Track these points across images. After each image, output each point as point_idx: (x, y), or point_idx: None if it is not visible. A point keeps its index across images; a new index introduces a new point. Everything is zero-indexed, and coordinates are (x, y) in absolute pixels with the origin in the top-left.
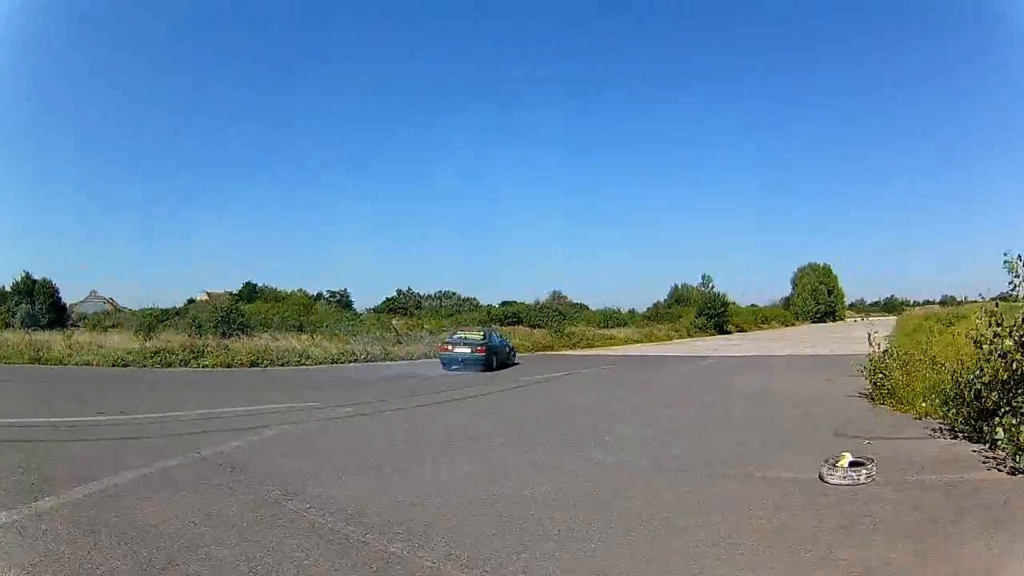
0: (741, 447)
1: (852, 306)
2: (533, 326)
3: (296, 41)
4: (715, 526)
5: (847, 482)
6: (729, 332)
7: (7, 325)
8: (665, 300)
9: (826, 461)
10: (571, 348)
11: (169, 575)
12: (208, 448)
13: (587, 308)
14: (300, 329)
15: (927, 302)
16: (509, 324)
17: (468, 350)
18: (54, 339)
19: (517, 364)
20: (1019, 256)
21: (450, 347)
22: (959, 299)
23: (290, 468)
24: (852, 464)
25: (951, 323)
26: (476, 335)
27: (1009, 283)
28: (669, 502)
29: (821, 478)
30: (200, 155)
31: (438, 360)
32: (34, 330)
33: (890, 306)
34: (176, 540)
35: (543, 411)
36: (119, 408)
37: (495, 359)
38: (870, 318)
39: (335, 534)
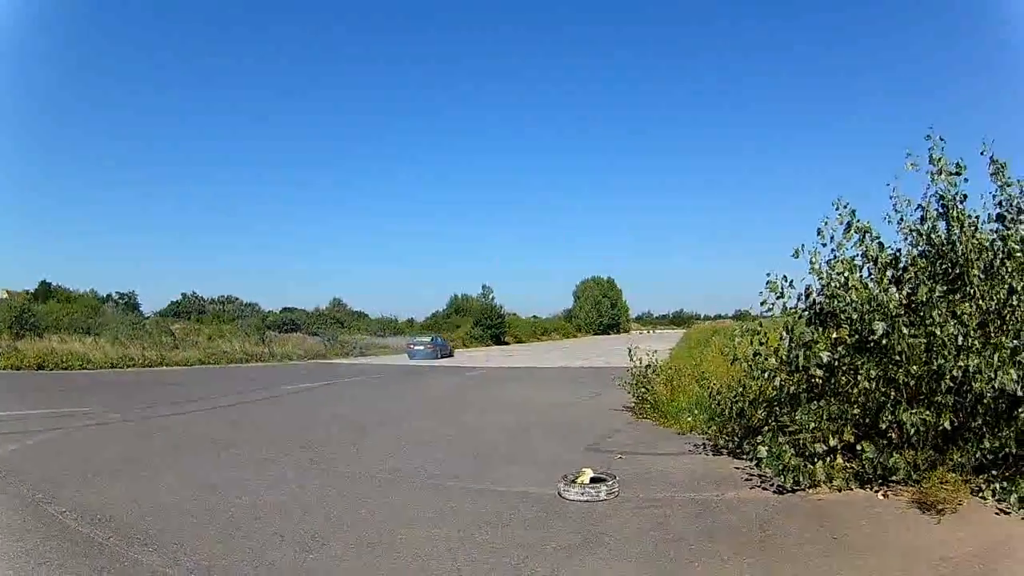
0: (487, 460)
1: (639, 318)
2: (312, 334)
3: None
4: (437, 540)
5: (585, 498)
6: (507, 343)
7: None
8: (444, 310)
9: (564, 477)
10: (344, 357)
11: None
12: None
13: (367, 316)
14: (88, 332)
15: (718, 316)
16: (287, 331)
17: (423, 347)
18: None
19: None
20: (784, 276)
21: (413, 346)
22: (755, 314)
23: (49, 473)
24: (593, 480)
25: (733, 338)
26: (427, 338)
27: (761, 302)
28: (398, 514)
29: (559, 494)
30: None
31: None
32: None
33: (679, 320)
34: None
35: (294, 421)
36: None
37: (440, 352)
38: (656, 331)
39: (81, 536)
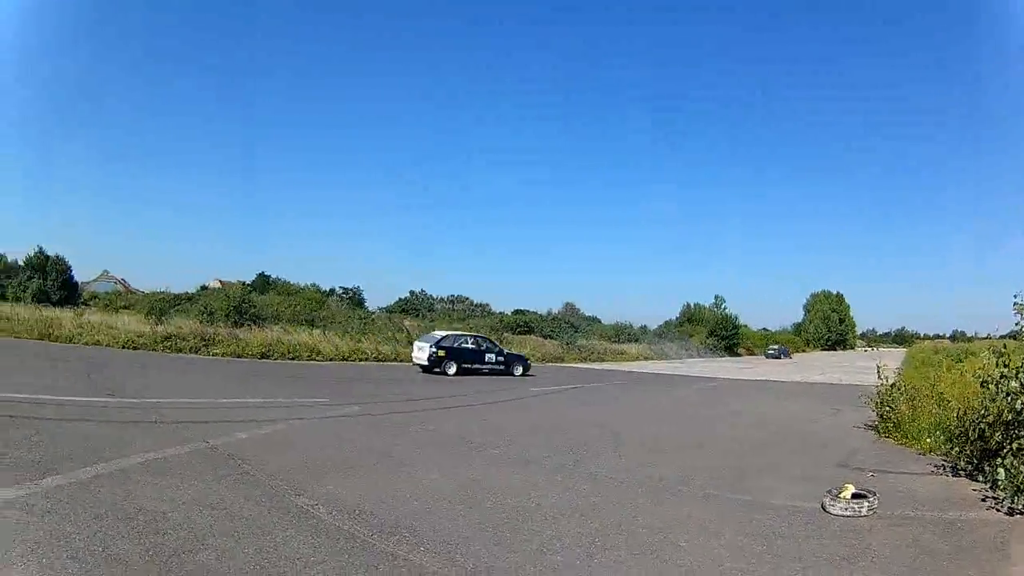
0: (745, 473)
1: (863, 335)
2: (546, 336)
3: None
4: (715, 549)
5: (848, 513)
6: (739, 354)
7: (17, 299)
8: (676, 318)
9: (829, 492)
10: (582, 361)
11: (176, 563)
12: (217, 438)
13: (599, 322)
14: (311, 324)
15: (937, 336)
16: (521, 333)
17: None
18: (64, 316)
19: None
20: None
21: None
22: (969, 335)
23: (296, 462)
24: (855, 496)
25: (960, 359)
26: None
27: (1016, 324)
28: (671, 522)
29: (823, 508)
30: (218, 145)
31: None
32: (44, 306)
33: (900, 338)
34: (183, 529)
35: (546, 423)
36: (129, 391)
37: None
38: (880, 348)
39: (339, 532)
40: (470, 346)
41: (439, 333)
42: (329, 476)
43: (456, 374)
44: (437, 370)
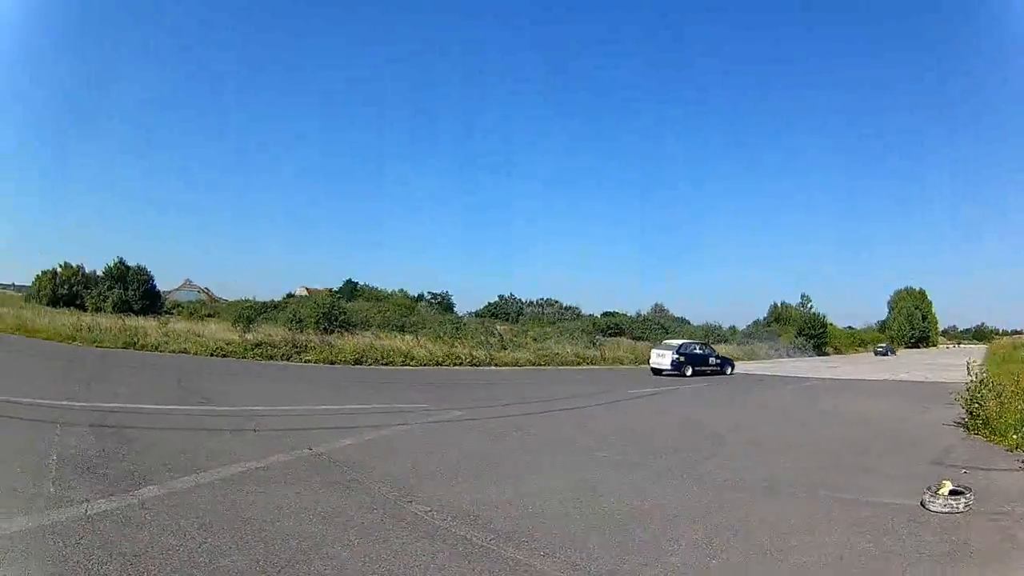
0: (846, 471)
1: (944, 332)
2: (636, 338)
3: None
4: (826, 547)
5: (947, 510)
6: (827, 353)
7: (97, 309)
8: (764, 318)
9: (928, 488)
10: None
11: (290, 574)
12: (320, 445)
13: (688, 323)
14: (402, 329)
15: (1016, 331)
16: (611, 335)
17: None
18: (149, 325)
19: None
20: None
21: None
22: None
23: (404, 469)
24: (952, 492)
25: None
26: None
27: None
28: (781, 523)
29: (923, 504)
30: (300, 153)
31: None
32: (127, 315)
33: (980, 334)
34: (295, 538)
35: (646, 425)
36: (223, 399)
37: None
38: (961, 345)
39: (456, 538)
40: (698, 351)
41: (676, 342)
42: (439, 481)
43: (691, 375)
44: (677, 373)
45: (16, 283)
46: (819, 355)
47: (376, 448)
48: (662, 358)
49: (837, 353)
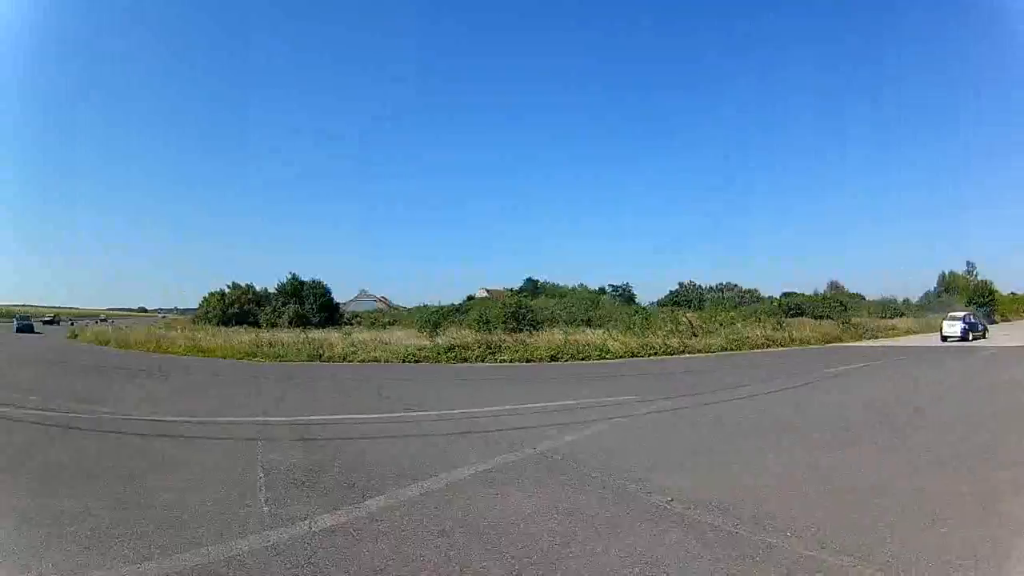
0: None
1: None
2: (817, 317)
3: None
4: None
5: None
6: (995, 321)
7: (272, 325)
8: (935, 289)
9: None
10: (856, 339)
11: (547, 573)
12: (541, 443)
13: (863, 298)
14: (588, 323)
15: None
16: (793, 316)
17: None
18: (332, 337)
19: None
20: None
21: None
22: None
23: (631, 461)
24: None
25: None
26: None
27: None
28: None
29: None
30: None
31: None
32: (306, 329)
33: None
34: (543, 538)
35: (854, 402)
36: (426, 404)
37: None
38: None
39: (704, 525)
40: (973, 321)
41: (960, 313)
42: (668, 471)
43: (972, 340)
44: (965, 341)
45: (178, 307)
46: (989, 323)
47: (597, 442)
48: (952, 328)
49: (1005, 320)
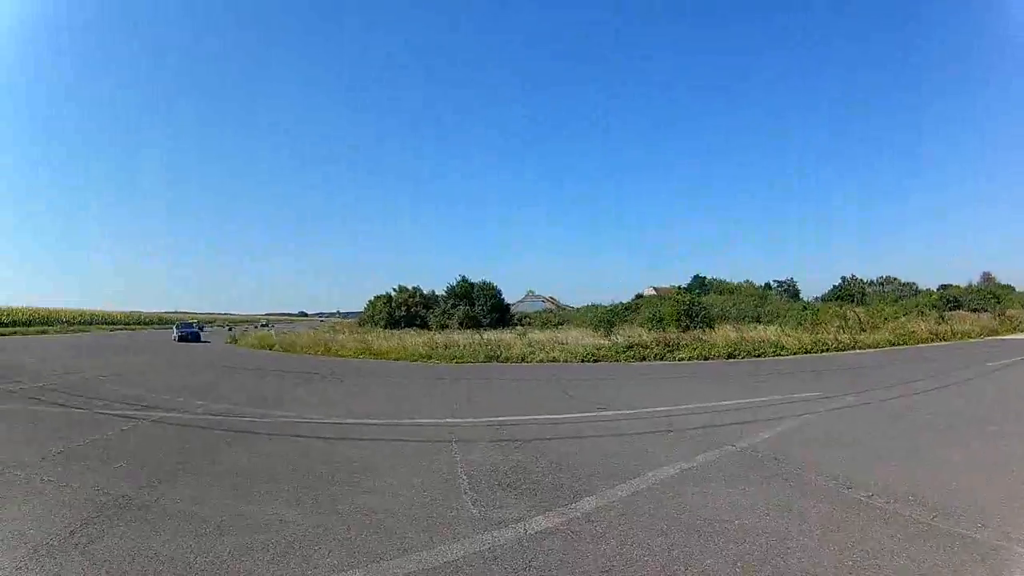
0: None
1: None
2: (973, 310)
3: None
4: None
5: None
6: None
7: (442, 327)
8: None
9: None
10: (1011, 332)
11: (770, 570)
12: (739, 440)
13: (1013, 289)
14: (757, 320)
15: None
16: (950, 309)
17: None
18: (506, 338)
19: None
20: None
21: None
22: None
23: (827, 456)
24: None
25: None
26: None
27: None
28: None
29: None
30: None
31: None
32: (478, 330)
33: None
34: (759, 535)
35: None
36: (617, 403)
37: None
38: None
39: (904, 519)
40: None
41: None
42: (867, 466)
43: None
44: None
45: (340, 310)
46: None
47: (793, 439)
48: None
49: None
